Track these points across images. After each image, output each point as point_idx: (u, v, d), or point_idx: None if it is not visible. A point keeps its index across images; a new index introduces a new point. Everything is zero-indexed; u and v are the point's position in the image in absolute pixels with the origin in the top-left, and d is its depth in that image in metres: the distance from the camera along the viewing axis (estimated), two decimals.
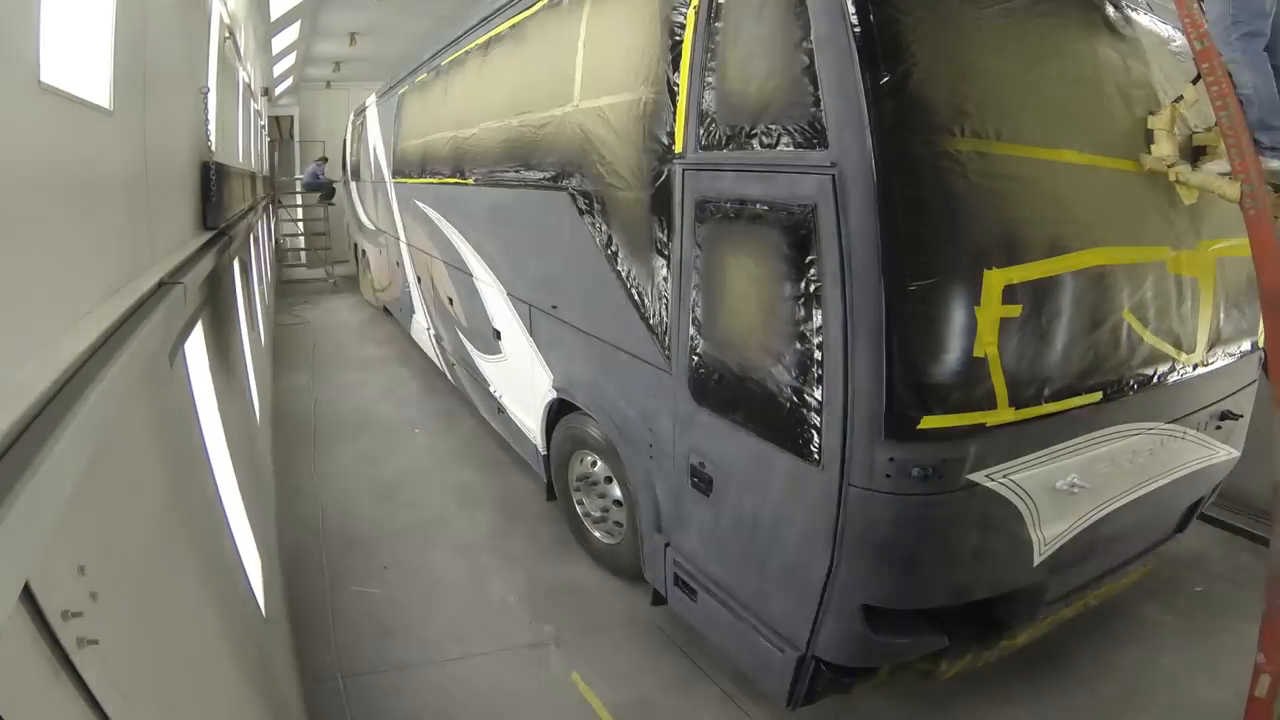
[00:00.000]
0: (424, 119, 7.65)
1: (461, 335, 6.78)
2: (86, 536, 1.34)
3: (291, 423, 7.43)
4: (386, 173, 9.41)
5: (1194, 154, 3.11)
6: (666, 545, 3.75)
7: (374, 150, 10.29)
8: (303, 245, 17.69)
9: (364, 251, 12.93)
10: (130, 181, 2.32)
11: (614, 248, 3.85)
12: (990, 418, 2.58)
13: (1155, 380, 3.11)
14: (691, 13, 3.16)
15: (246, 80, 8.03)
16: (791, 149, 2.70)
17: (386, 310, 11.89)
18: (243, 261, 6.28)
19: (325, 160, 16.09)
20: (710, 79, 3.07)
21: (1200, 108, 2.98)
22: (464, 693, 3.63)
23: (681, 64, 3.21)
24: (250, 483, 3.78)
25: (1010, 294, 2.54)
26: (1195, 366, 3.32)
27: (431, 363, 8.82)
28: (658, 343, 3.56)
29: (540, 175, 4.61)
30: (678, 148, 3.26)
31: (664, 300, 3.47)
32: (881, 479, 2.57)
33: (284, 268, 16.73)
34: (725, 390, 3.12)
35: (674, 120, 3.27)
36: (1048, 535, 2.91)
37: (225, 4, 5.42)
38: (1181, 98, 3.03)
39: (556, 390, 4.73)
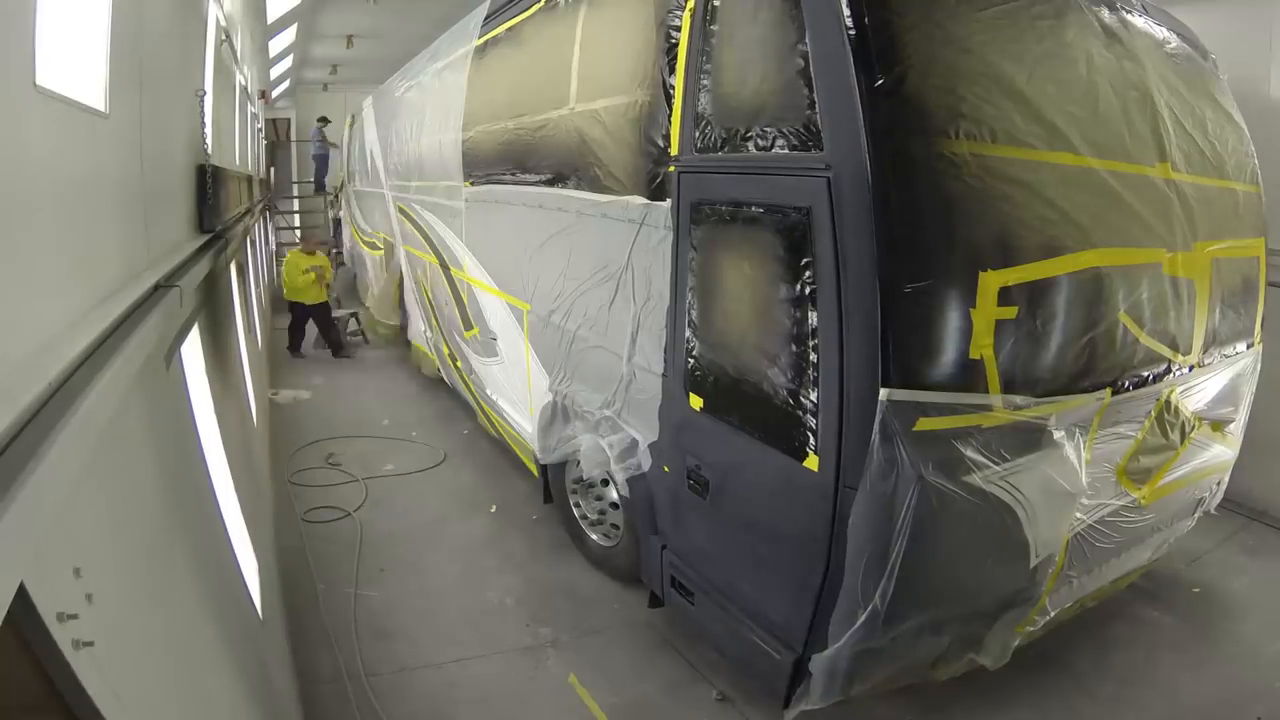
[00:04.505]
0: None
1: (459, 338, 6.78)
2: (83, 538, 1.34)
3: (287, 426, 7.42)
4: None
5: None
6: (663, 548, 3.74)
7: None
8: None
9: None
10: (126, 184, 2.32)
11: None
12: (986, 419, 2.59)
13: (1151, 381, 3.12)
14: (687, 15, 3.17)
15: (243, 83, 8.03)
16: (787, 151, 2.70)
17: None
18: (239, 264, 6.28)
19: (327, 121, 15.71)
20: (705, 82, 3.08)
21: None
22: (462, 695, 3.62)
23: (677, 67, 3.22)
24: (247, 485, 3.78)
25: (1006, 296, 2.55)
26: (1191, 368, 3.33)
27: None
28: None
29: (536, 178, 4.61)
30: (673, 150, 3.27)
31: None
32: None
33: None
34: (721, 393, 3.12)
35: (669, 123, 3.28)
36: (1044, 537, 2.92)
37: (222, 6, 5.42)
38: None
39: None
